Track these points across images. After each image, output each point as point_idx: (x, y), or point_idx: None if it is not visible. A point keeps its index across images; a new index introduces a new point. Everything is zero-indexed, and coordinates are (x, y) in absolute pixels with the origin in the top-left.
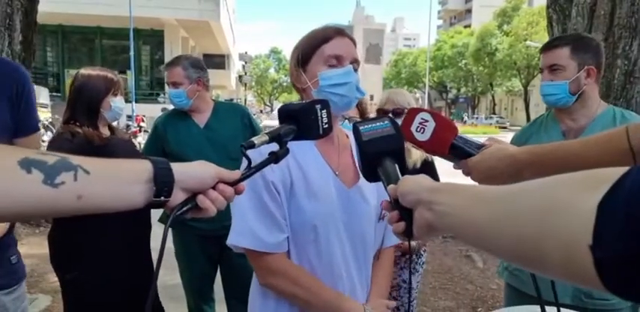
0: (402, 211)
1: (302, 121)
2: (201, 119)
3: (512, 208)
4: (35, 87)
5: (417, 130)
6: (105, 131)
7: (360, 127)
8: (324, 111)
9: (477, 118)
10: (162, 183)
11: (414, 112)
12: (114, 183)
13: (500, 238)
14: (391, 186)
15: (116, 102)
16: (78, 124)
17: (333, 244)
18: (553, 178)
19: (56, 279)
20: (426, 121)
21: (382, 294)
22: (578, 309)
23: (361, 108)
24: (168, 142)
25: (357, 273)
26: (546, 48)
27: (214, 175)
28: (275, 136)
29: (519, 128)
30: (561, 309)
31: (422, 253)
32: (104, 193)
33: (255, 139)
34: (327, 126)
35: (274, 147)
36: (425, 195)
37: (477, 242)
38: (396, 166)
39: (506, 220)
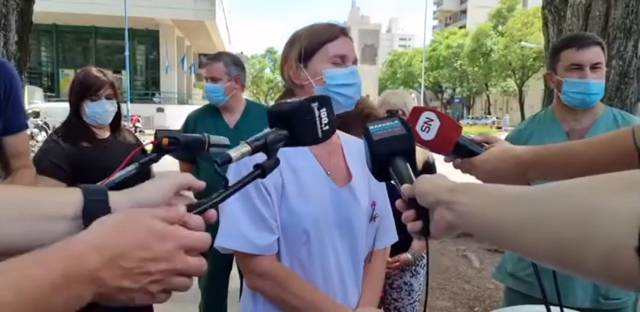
0: (418, 210)
1: (295, 124)
2: (232, 119)
3: (548, 210)
4: (29, 87)
5: (422, 129)
6: (103, 133)
7: (370, 127)
8: (324, 110)
9: (498, 119)
10: (92, 220)
11: (419, 111)
12: (29, 220)
13: (533, 239)
14: (406, 185)
15: (92, 107)
16: (73, 125)
17: (326, 245)
18: (587, 179)
19: None
20: (431, 120)
21: (372, 301)
22: (594, 311)
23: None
24: None
25: (348, 274)
26: (584, 44)
27: (172, 191)
28: (260, 146)
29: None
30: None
31: (423, 255)
32: (15, 231)
33: (233, 152)
34: (327, 128)
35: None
36: (445, 195)
37: (501, 242)
38: (408, 165)
39: (541, 221)
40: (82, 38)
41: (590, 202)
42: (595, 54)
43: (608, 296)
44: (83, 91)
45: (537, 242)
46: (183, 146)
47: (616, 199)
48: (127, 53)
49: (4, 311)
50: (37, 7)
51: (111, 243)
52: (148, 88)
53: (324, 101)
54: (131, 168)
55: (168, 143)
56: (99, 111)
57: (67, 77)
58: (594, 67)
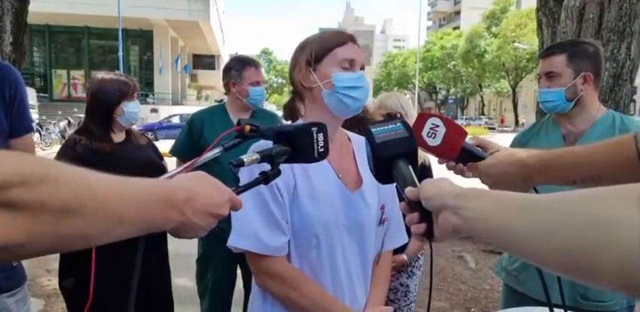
0: (422, 213)
1: (297, 144)
2: None
3: (561, 218)
4: None
5: (428, 136)
6: (119, 137)
7: (373, 130)
8: (321, 134)
9: (490, 120)
10: None
11: (424, 117)
12: None
13: (544, 247)
14: (410, 188)
15: (129, 107)
16: (90, 131)
17: (335, 247)
18: (600, 190)
19: (49, 283)
20: (437, 126)
21: (379, 301)
22: (574, 310)
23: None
24: (205, 138)
25: (357, 277)
26: (543, 55)
27: None
28: (266, 156)
29: (509, 129)
30: None
31: (419, 256)
32: None
33: (245, 157)
34: (322, 150)
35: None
36: (450, 200)
37: (509, 248)
38: (410, 168)
39: (553, 230)
40: (74, 39)
41: (604, 212)
42: (549, 64)
43: (587, 297)
44: (123, 95)
45: (549, 250)
46: (262, 133)
47: (630, 210)
48: (120, 54)
49: (118, 203)
50: (30, 8)
51: (190, 188)
52: (142, 89)
53: (321, 127)
54: (217, 151)
55: (250, 130)
56: (135, 111)
57: (59, 78)
58: (548, 76)
